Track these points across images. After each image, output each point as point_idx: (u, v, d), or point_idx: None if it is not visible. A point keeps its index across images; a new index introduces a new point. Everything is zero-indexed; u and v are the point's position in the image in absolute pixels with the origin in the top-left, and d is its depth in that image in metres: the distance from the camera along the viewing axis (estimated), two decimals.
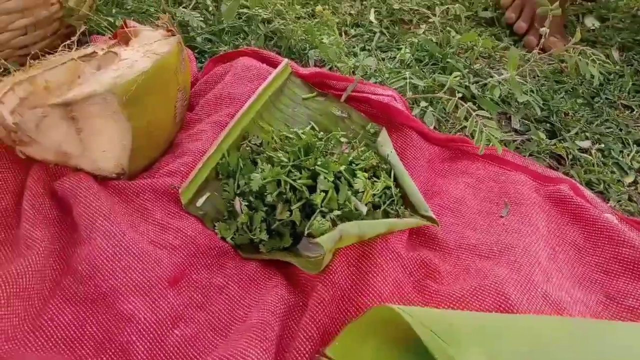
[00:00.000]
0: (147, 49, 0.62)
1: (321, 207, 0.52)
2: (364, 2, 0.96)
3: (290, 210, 0.52)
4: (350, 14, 0.94)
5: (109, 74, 0.55)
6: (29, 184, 0.54)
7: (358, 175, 0.54)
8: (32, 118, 0.51)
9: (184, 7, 0.94)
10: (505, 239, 0.51)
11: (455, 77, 0.61)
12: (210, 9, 0.93)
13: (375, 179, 0.55)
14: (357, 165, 0.56)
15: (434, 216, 0.52)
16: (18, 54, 0.74)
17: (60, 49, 0.64)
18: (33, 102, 0.57)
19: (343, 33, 0.88)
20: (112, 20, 0.82)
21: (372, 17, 0.91)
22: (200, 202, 0.55)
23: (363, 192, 0.53)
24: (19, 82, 0.56)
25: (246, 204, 0.54)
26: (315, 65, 0.79)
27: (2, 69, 0.72)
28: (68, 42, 0.66)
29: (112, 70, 0.56)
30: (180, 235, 0.51)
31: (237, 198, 0.55)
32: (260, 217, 0.53)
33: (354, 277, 0.46)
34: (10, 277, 0.44)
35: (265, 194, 0.53)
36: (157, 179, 0.55)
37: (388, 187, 0.55)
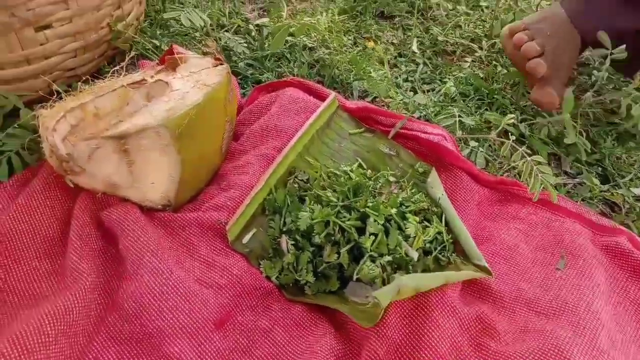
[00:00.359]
0: (197, 78, 0.62)
1: (370, 251, 0.50)
2: (407, 32, 0.96)
3: (339, 253, 0.51)
4: (392, 43, 0.93)
5: (161, 106, 0.55)
6: (76, 213, 0.54)
7: (409, 220, 0.52)
8: (85, 149, 0.51)
9: (225, 31, 0.95)
10: (564, 295, 0.48)
11: (509, 119, 0.59)
12: (253, 33, 0.94)
13: (426, 223, 0.54)
14: (407, 207, 0.54)
15: (488, 266, 0.50)
16: (66, 75, 0.74)
17: (109, 75, 0.64)
18: (83, 130, 0.57)
19: (385, 62, 0.87)
20: (158, 44, 0.83)
21: (414, 47, 0.90)
22: (246, 239, 0.54)
23: (414, 237, 0.51)
24: (70, 109, 0.56)
25: (292, 242, 0.53)
26: (359, 97, 0.78)
27: (50, 90, 0.73)
28: (117, 67, 0.66)
29: (164, 102, 0.55)
30: (226, 274, 0.50)
31: (283, 236, 0.54)
32: (306, 258, 0.52)
33: (407, 330, 0.45)
34: (58, 313, 0.44)
35: (313, 234, 0.52)
36: (203, 213, 0.55)
37: (439, 233, 0.53)
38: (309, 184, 0.58)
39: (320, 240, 0.51)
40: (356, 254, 0.52)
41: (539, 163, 0.56)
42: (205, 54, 0.85)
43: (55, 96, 0.59)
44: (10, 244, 0.50)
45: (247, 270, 0.51)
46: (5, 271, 0.49)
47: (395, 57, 0.89)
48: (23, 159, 0.60)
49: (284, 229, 0.55)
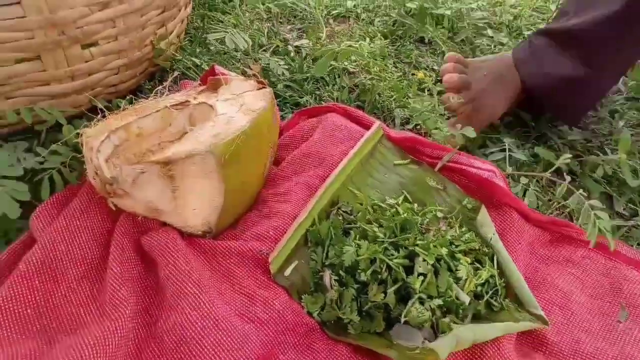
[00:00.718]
0: (241, 102, 0.61)
1: (419, 292, 0.48)
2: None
3: (385, 292, 0.49)
4: (433, 69, 0.91)
5: (207, 131, 0.54)
6: (116, 237, 0.52)
7: (460, 261, 0.50)
8: (130, 173, 0.50)
9: (263, 51, 0.94)
10: (631, 351, 0.45)
11: (565, 159, 0.57)
12: (292, 54, 0.93)
13: (477, 264, 0.51)
14: (457, 247, 0.52)
15: (544, 316, 0.48)
16: (107, 91, 0.74)
17: (152, 94, 0.64)
18: (126, 150, 0.56)
19: (425, 90, 0.86)
20: (199, 63, 0.83)
21: None
22: (288, 271, 0.52)
23: (465, 279, 0.49)
24: (114, 130, 0.55)
25: (336, 278, 0.51)
26: (400, 125, 0.76)
27: (91, 105, 0.73)
28: (160, 87, 0.66)
29: (210, 127, 0.54)
30: (268, 308, 0.48)
31: (327, 271, 0.52)
32: (350, 295, 0.50)
33: None
34: (98, 344, 0.42)
35: (358, 270, 0.50)
36: (245, 242, 0.53)
37: (492, 276, 0.50)
38: (353, 216, 0.56)
39: (365, 278, 0.49)
40: (403, 294, 0.49)
41: (598, 209, 0.53)
42: (244, 74, 0.85)
43: (99, 115, 0.58)
44: (50, 266, 0.49)
45: (289, 305, 0.49)
46: (45, 295, 0.48)
47: (436, 84, 0.87)
48: (64, 176, 0.59)
49: (326, 263, 0.53)
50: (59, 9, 0.60)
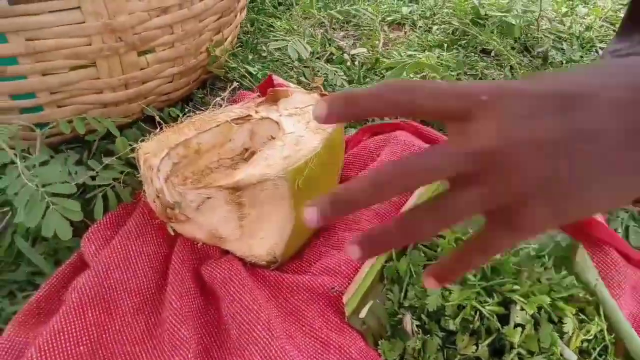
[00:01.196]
0: (307, 119, 0.56)
1: (517, 347, 0.42)
2: (514, 71, 0.87)
3: (477, 344, 0.43)
4: None
5: (276, 152, 0.49)
6: (175, 266, 0.48)
7: (565, 311, 0.43)
8: (194, 198, 0.45)
9: (317, 58, 0.89)
10: None
11: None
12: (348, 63, 0.88)
13: (582, 316, 0.45)
14: (557, 293, 0.45)
15: None
16: (159, 100, 0.70)
17: (211, 106, 0.59)
18: (184, 168, 0.52)
19: None
20: (254, 72, 0.78)
21: None
22: (363, 312, 0.47)
23: (572, 334, 0.43)
24: (174, 146, 0.51)
25: (417, 323, 0.45)
26: None
27: (142, 114, 0.69)
28: (218, 99, 0.62)
29: (279, 148, 0.49)
30: (345, 357, 0.43)
31: (407, 315, 0.46)
32: (435, 345, 0.44)
33: None
34: None
35: (445, 317, 0.44)
36: (314, 277, 0.48)
37: (600, 330, 0.44)
38: (434, 252, 0.50)
39: (454, 327, 0.43)
40: (497, 347, 0.43)
41: None
42: (299, 83, 0.80)
43: (157, 129, 0.54)
44: (104, 297, 0.45)
45: (366, 353, 0.44)
46: (99, 329, 0.43)
47: None
48: (117, 193, 0.55)
49: (405, 304, 0.47)
50: (118, 14, 0.55)
